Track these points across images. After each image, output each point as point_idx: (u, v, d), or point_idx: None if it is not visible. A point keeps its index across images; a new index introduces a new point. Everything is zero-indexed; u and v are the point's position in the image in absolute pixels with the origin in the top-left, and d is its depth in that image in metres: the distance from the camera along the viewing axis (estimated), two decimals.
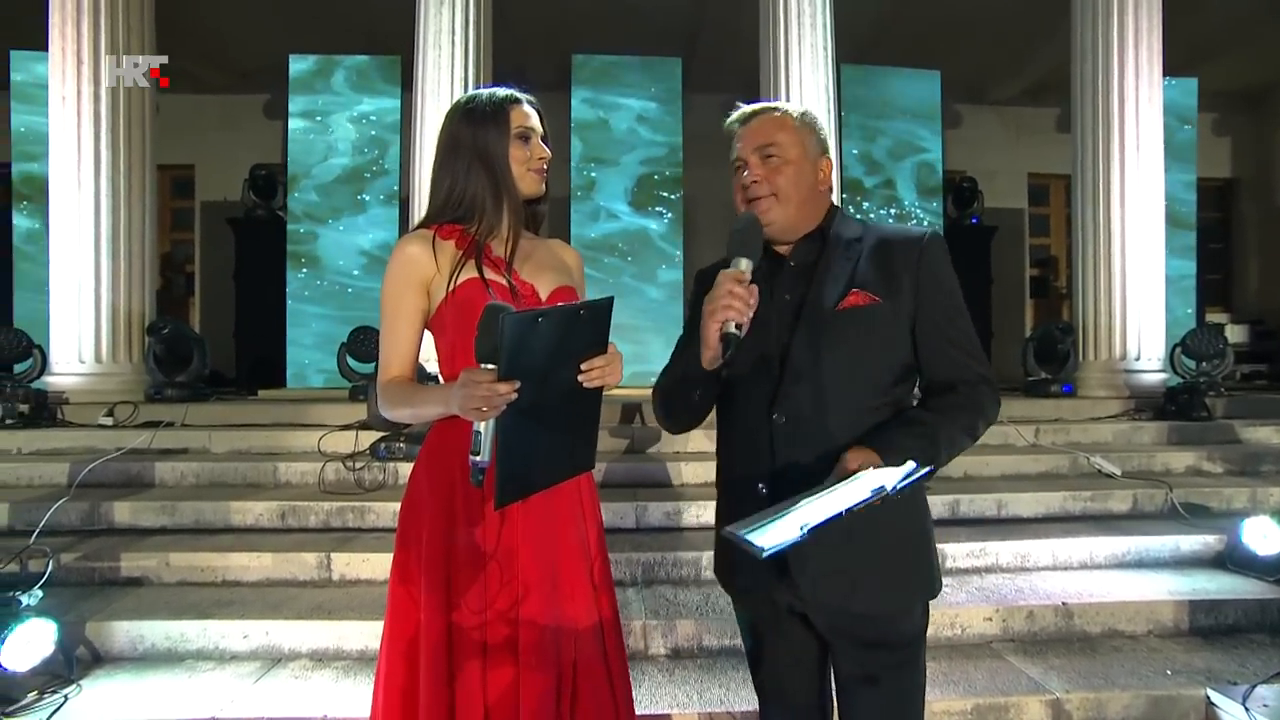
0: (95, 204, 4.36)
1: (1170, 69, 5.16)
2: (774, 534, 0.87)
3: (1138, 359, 4.92)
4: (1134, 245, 4.88)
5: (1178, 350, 5.13)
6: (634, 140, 5.70)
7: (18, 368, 4.48)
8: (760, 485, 1.13)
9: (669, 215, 5.69)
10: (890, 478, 0.93)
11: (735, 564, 1.21)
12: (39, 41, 4.54)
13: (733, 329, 1.05)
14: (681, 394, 1.20)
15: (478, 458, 0.99)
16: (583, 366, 1.03)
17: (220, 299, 7.03)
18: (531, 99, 1.28)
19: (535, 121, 1.26)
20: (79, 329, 4.36)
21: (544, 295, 1.25)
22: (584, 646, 1.21)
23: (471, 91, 1.32)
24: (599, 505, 1.33)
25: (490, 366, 0.97)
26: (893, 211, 5.81)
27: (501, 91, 1.27)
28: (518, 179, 1.24)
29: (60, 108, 4.35)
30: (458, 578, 1.16)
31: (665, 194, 5.70)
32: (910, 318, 1.13)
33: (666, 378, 1.24)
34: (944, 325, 1.14)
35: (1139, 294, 4.89)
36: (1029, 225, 8.39)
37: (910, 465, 0.95)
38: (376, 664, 1.26)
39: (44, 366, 4.39)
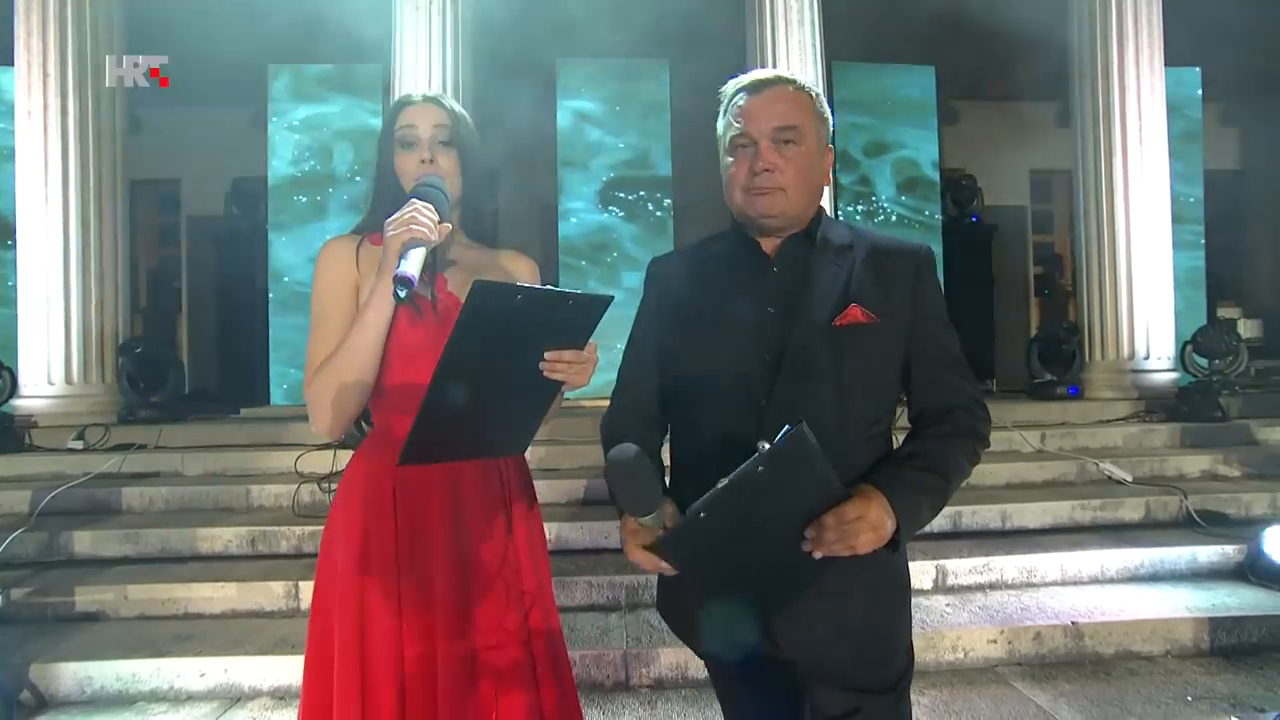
0: (64, 220, 4.24)
1: (1173, 59, 4.99)
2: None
3: (1146, 358, 4.76)
4: (1140, 240, 4.73)
5: (1188, 348, 4.94)
6: (619, 143, 5.56)
7: None
8: None
9: (641, 218, 5.53)
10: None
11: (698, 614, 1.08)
12: (5, 57, 4.45)
13: None
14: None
15: (401, 270, 0.95)
16: (547, 356, 0.94)
17: (208, 314, 6.93)
18: (436, 98, 1.17)
19: (422, 122, 1.14)
20: (48, 349, 4.23)
21: None
22: (505, 671, 1.11)
23: None
24: (537, 509, 1.25)
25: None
26: (861, 209, 5.63)
27: (412, 95, 1.18)
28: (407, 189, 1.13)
29: (26, 122, 4.23)
30: (372, 606, 1.11)
31: (627, 195, 5.51)
32: (905, 339, 1.03)
33: (610, 429, 1.11)
34: (936, 349, 1.05)
35: (1146, 290, 4.73)
36: (1032, 222, 8.23)
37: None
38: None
39: (13, 389, 4.27)
